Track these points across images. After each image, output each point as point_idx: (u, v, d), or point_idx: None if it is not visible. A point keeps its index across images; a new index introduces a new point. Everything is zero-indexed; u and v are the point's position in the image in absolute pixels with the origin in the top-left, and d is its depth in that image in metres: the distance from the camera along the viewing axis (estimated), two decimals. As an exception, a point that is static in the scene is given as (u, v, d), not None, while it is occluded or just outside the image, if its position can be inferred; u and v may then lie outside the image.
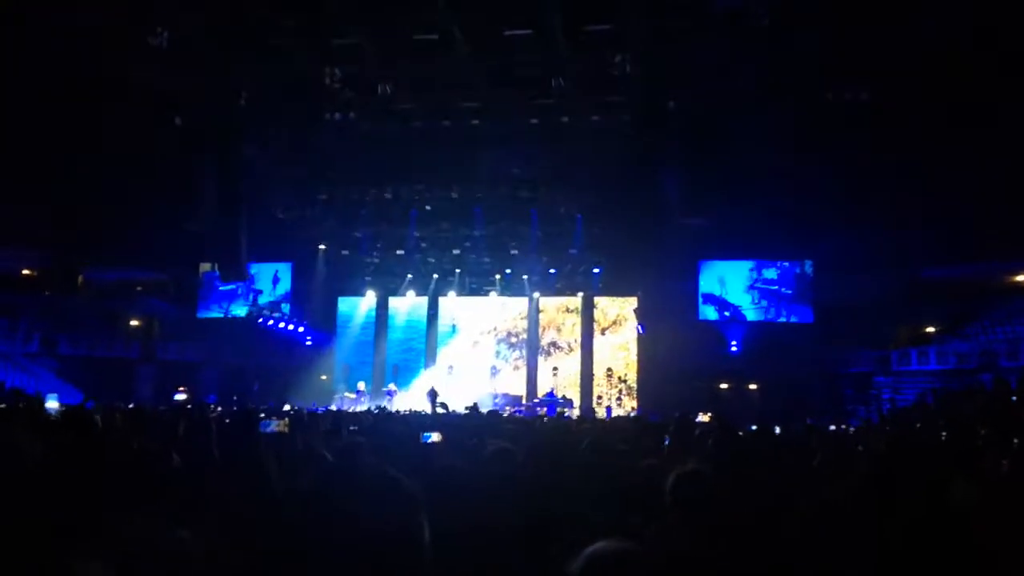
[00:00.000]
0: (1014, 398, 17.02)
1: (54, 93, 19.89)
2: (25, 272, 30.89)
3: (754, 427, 12.79)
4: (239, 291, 29.26)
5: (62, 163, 22.96)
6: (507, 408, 24.13)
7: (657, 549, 2.21)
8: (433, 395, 23.17)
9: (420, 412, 19.14)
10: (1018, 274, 26.15)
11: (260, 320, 28.48)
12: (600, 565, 1.54)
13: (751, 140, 19.69)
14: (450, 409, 19.68)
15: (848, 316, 25.21)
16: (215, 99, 17.56)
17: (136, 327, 31.33)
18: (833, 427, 15.36)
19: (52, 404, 8.74)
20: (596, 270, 27.23)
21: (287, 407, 17.02)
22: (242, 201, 18.55)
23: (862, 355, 26.85)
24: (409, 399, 27.17)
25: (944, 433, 11.47)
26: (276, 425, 5.98)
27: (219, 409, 15.75)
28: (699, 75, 17.94)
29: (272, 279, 29.72)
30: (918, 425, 13.63)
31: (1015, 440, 9.19)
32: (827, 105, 19.48)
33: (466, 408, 15.17)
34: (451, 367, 29.17)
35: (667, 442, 5.11)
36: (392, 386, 27.21)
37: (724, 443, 4.12)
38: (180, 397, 23.98)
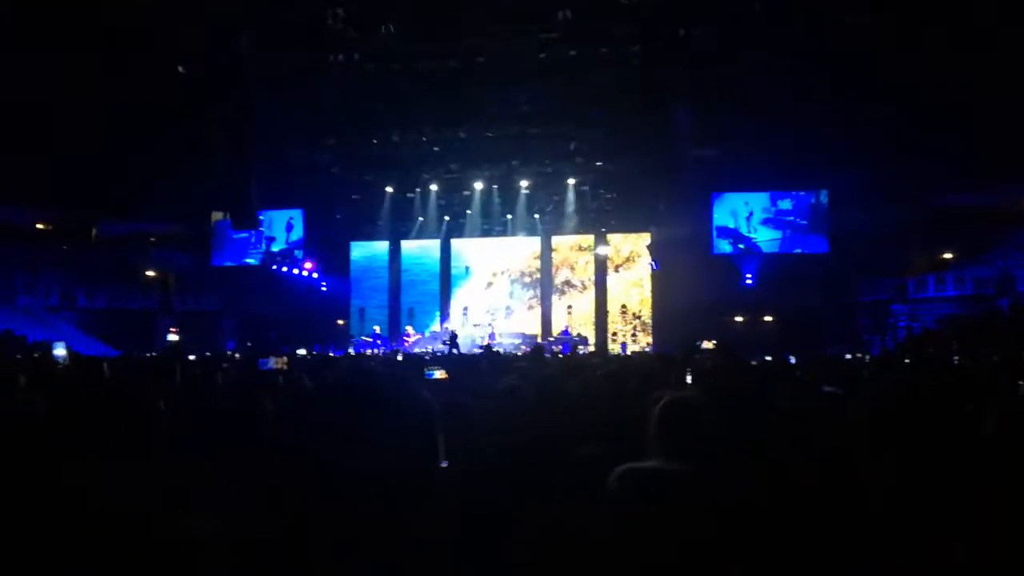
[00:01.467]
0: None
1: (64, 47, 19.71)
2: (40, 226, 31.09)
3: (768, 358, 12.83)
4: (252, 239, 29.35)
5: (72, 117, 22.88)
6: (521, 347, 24.27)
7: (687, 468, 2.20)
8: (453, 337, 23.33)
9: (434, 354, 19.29)
10: (1037, 199, 25.74)
11: (274, 268, 28.63)
12: (633, 480, 1.56)
13: (763, 69, 19.27)
14: (462, 350, 19.85)
15: (864, 245, 24.97)
16: (218, 44, 17.34)
17: (152, 278, 31.59)
18: (849, 356, 15.34)
19: (59, 352, 8.83)
20: (608, 208, 27.00)
21: (302, 352, 17.21)
22: (251, 149, 18.45)
23: (879, 283, 26.68)
24: (427, 342, 27.43)
25: (957, 358, 11.44)
26: (274, 363, 6.04)
27: (236, 356, 15.94)
28: (709, 2, 17.51)
29: (285, 226, 29.75)
30: (930, 351, 13.59)
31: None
32: (841, 32, 18.98)
33: (478, 349, 15.27)
34: (466, 309, 29.31)
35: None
36: (409, 329, 27.41)
37: (724, 368, 4.11)
38: (172, 338, 24.14)
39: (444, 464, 1.48)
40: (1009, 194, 25.36)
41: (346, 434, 1.39)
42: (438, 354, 18.25)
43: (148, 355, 15.80)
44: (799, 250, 26.53)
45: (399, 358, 13.69)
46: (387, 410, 1.41)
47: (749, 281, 26.42)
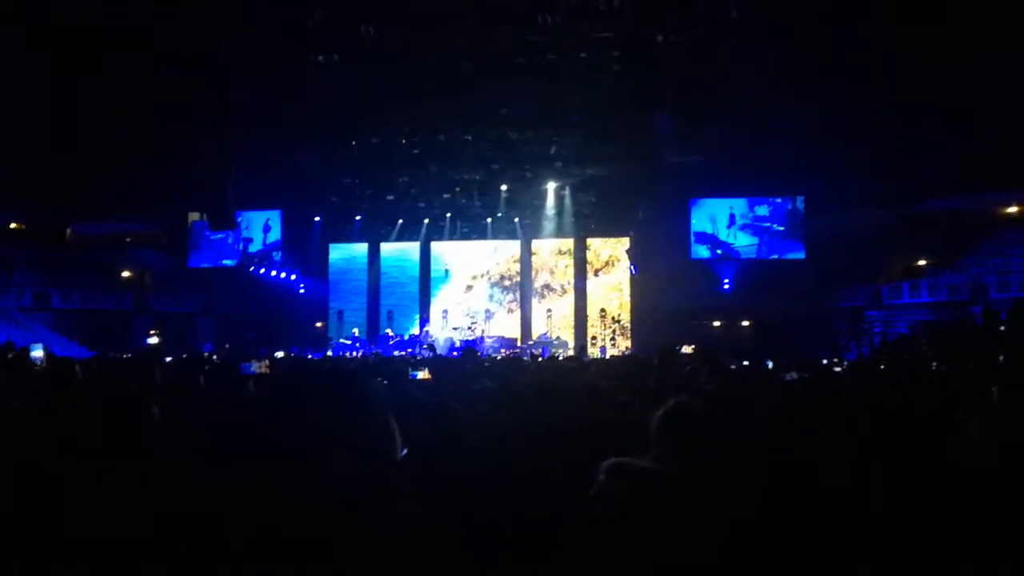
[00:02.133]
0: (1002, 328, 17.16)
1: (39, 43, 19.47)
2: (13, 226, 30.65)
3: (745, 363, 12.92)
4: (229, 240, 29.14)
5: (46, 114, 22.61)
6: (501, 351, 24.27)
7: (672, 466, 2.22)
8: (431, 346, 23.31)
9: (414, 355, 19.25)
10: (1009, 206, 26.17)
11: (251, 269, 28.44)
12: (623, 476, 1.56)
13: (741, 76, 19.46)
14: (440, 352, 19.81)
15: (840, 251, 25.24)
16: (197, 44, 17.22)
17: (128, 279, 31.25)
18: (825, 361, 15.48)
19: (37, 353, 8.74)
20: (587, 212, 27.10)
21: (280, 354, 17.11)
22: (229, 149, 18.33)
23: (854, 289, 26.98)
24: (406, 345, 27.33)
25: (934, 363, 11.59)
26: (257, 367, 6.01)
27: (214, 358, 15.81)
28: (689, 10, 17.64)
29: (263, 227, 29.56)
30: (905, 357, 13.76)
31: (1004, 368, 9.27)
32: (818, 39, 19.22)
33: (455, 352, 15.25)
34: (445, 312, 29.26)
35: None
36: (389, 331, 27.33)
37: (705, 372, 4.14)
38: (152, 341, 23.94)
39: (403, 453, 1.46)
40: (983, 200, 25.78)
41: (289, 436, 1.38)
42: (422, 356, 18.24)
43: (124, 356, 15.62)
44: (776, 256, 26.79)
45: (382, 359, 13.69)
46: (332, 406, 1.40)
47: (726, 286, 26.62)
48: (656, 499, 1.60)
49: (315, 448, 1.32)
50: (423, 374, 5.65)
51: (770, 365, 11.94)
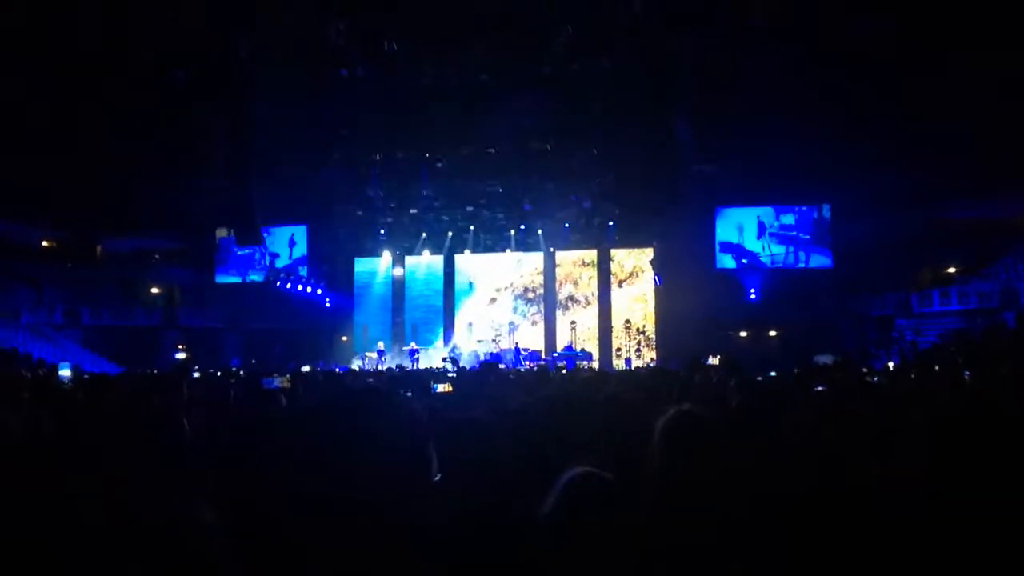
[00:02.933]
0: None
1: (65, 64, 19.84)
2: (44, 244, 31.18)
3: (772, 373, 12.78)
4: (256, 256, 29.42)
5: (76, 134, 23.00)
6: (526, 363, 24.23)
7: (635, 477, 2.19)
8: (455, 360, 23.35)
9: (438, 369, 19.26)
10: (1040, 211, 25.72)
11: (278, 284, 28.68)
12: (578, 489, 1.54)
13: (765, 83, 19.35)
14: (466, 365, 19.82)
15: (868, 259, 24.95)
16: (223, 62, 17.45)
17: (156, 295, 31.64)
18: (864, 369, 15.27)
19: (65, 372, 8.84)
20: (611, 223, 27.04)
21: (305, 368, 17.20)
22: (254, 164, 18.54)
23: (883, 298, 26.63)
24: (432, 357, 27.40)
25: (967, 373, 11.39)
26: (279, 381, 6.03)
27: (241, 373, 15.94)
28: (710, 17, 17.58)
29: (288, 242, 29.83)
30: (937, 367, 13.54)
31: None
32: (842, 43, 19.06)
33: (481, 364, 15.25)
34: (470, 324, 29.30)
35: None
36: (414, 344, 27.40)
37: (730, 384, 4.10)
38: (180, 356, 24.17)
39: (437, 477, 1.45)
40: (1012, 206, 25.34)
41: (329, 457, 1.36)
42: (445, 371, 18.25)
43: (152, 372, 15.80)
44: (802, 265, 26.53)
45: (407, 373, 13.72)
46: (371, 429, 1.39)
47: (753, 296, 26.40)
48: (608, 509, 1.57)
49: (349, 471, 1.31)
50: (444, 387, 5.65)
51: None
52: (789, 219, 26.71)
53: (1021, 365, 12.36)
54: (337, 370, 17.95)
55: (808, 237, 26.41)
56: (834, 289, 25.63)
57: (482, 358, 24.51)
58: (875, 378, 11.78)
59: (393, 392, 1.47)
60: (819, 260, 26.39)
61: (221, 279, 30.27)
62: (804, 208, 26.54)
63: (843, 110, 20.68)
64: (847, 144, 21.54)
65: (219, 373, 13.97)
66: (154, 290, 31.66)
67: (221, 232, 29.07)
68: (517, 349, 26.11)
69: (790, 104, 20.15)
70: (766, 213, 26.84)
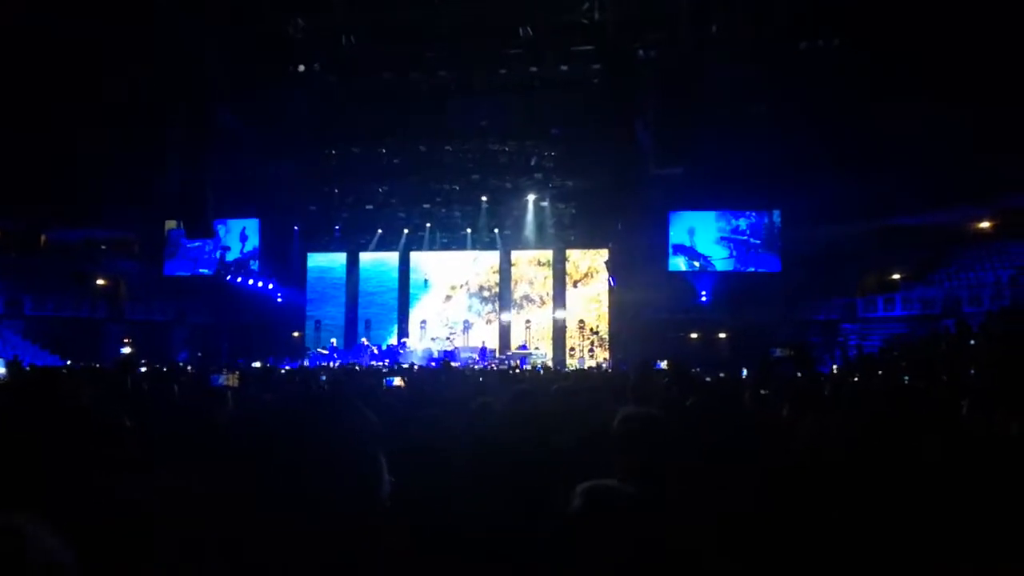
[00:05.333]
0: (972, 342, 17.39)
1: (15, 50, 19.26)
2: (-14, 232, 30.21)
3: (721, 375, 13.01)
4: (206, 249, 28.92)
5: (21, 120, 22.33)
6: (476, 363, 24.26)
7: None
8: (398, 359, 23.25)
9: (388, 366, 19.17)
10: (981, 220, 26.54)
11: (228, 278, 28.22)
12: (601, 500, 1.56)
13: (720, 90, 19.64)
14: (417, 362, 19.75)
15: (816, 265, 25.47)
16: (177, 54, 17.13)
17: (102, 286, 30.85)
18: (799, 374, 15.58)
19: (-1, 370, 8.48)
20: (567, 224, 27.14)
21: (256, 364, 16.97)
22: (207, 157, 18.24)
23: (829, 303, 27.22)
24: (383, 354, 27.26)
25: (907, 377, 11.71)
26: (226, 379, 5.92)
27: (189, 369, 15.67)
28: (669, 24, 17.79)
29: (240, 236, 29.37)
30: (880, 372, 13.90)
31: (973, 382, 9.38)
32: (797, 54, 19.45)
33: (433, 362, 15.23)
34: (424, 322, 29.20)
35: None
36: (364, 340, 27.22)
37: (678, 387, 4.18)
38: (125, 351, 23.65)
39: (389, 482, 1.42)
40: (957, 215, 26.10)
41: (273, 465, 1.33)
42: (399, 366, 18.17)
43: (94, 366, 15.43)
44: (752, 268, 27.00)
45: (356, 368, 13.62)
46: (319, 442, 1.35)
47: (704, 298, 26.77)
48: (631, 520, 1.60)
49: (296, 484, 1.28)
50: (398, 381, 5.65)
51: (744, 374, 12.04)
52: (741, 223, 27.16)
53: (960, 370, 12.74)
54: (287, 367, 17.74)
55: (759, 242, 26.89)
56: (782, 293, 26.10)
57: (435, 356, 24.46)
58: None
59: (345, 400, 1.41)
60: (769, 264, 26.88)
61: (169, 272, 29.68)
62: (755, 213, 27.02)
63: (795, 120, 21.10)
64: (798, 152, 21.97)
65: (165, 368, 13.72)
66: (100, 281, 30.87)
67: (171, 224, 28.52)
68: (484, 349, 26.19)
69: (744, 112, 20.51)
70: (718, 217, 27.25)
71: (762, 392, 5.00)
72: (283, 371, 14.62)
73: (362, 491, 1.32)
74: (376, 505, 1.34)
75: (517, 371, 16.08)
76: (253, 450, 1.33)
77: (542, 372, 15.38)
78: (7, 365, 9.47)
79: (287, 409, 1.40)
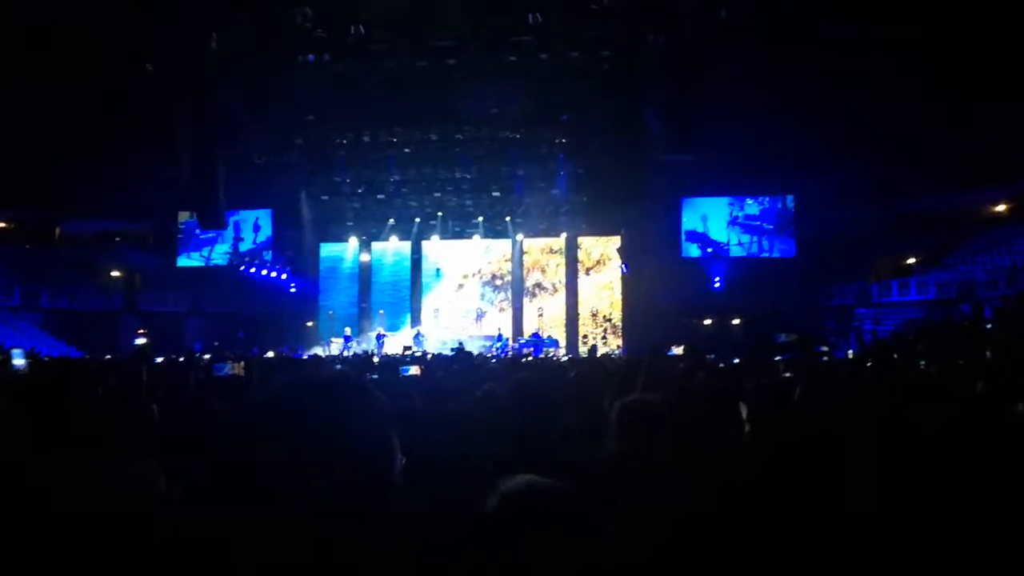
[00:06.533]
0: (988, 326, 17.25)
1: (25, 43, 19.35)
2: (1, 225, 30.47)
3: (736, 360, 12.97)
4: (219, 240, 29.04)
5: (34, 113, 22.46)
6: (492, 350, 24.29)
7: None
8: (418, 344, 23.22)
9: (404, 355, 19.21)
10: (998, 204, 26.31)
11: (242, 268, 28.35)
12: (516, 500, 1.50)
13: (733, 75, 19.49)
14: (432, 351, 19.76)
15: (830, 249, 25.34)
16: (186, 43, 17.14)
17: (117, 278, 31.09)
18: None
19: (18, 361, 8.47)
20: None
21: (271, 354, 17.07)
22: (218, 148, 18.27)
23: (844, 288, 27.08)
24: (398, 341, 27.35)
25: (923, 362, 11.64)
26: (231, 368, 5.90)
27: (205, 358, 15.77)
28: (680, 9, 17.65)
29: (253, 226, 29.48)
30: (895, 356, 13.81)
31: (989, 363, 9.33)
32: (808, 38, 19.26)
33: (452, 349, 15.27)
34: (437, 311, 29.24)
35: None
36: (380, 329, 27.30)
37: (693, 373, 4.16)
38: (140, 341, 23.77)
39: (402, 462, 1.40)
40: (972, 199, 25.90)
41: (280, 454, 1.30)
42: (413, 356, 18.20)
43: (109, 358, 15.54)
44: (766, 254, 26.86)
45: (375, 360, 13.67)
46: (326, 416, 1.33)
47: (717, 284, 26.68)
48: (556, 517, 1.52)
49: (309, 462, 1.27)
50: (414, 370, 5.66)
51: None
52: (754, 209, 27.02)
53: (976, 354, 12.64)
54: (305, 356, 17.85)
55: (772, 227, 26.74)
56: (796, 278, 25.98)
57: (450, 345, 24.47)
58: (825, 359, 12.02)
59: (356, 382, 1.38)
60: (783, 250, 26.73)
61: (183, 263, 29.85)
62: (768, 199, 26.87)
63: (808, 104, 20.94)
64: (811, 137, 21.81)
65: (182, 359, 13.81)
66: (114, 273, 31.10)
67: (184, 215, 28.65)
68: (500, 337, 26.15)
69: (757, 96, 20.34)
70: (731, 203, 27.11)
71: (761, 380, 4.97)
72: (299, 359, 14.71)
73: (374, 474, 1.31)
74: (389, 487, 1.33)
75: (530, 359, 16.10)
76: (258, 438, 1.31)
77: (554, 358, 15.41)
78: (27, 357, 9.52)
79: (290, 395, 1.37)
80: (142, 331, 25.40)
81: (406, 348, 22.38)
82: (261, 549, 1.23)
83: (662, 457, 2.25)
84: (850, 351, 20.60)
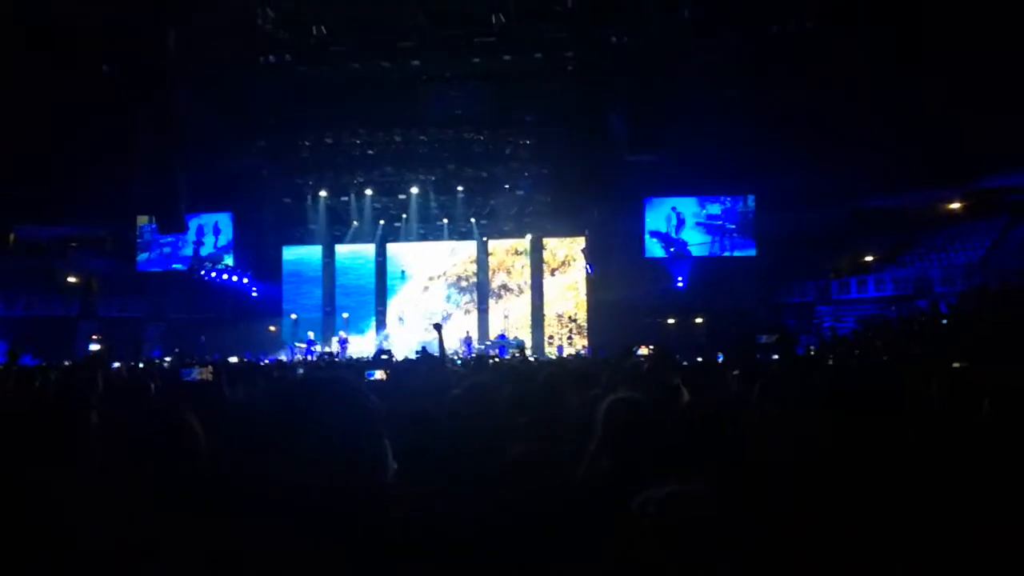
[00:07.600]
0: (944, 321, 17.65)
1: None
2: (-48, 231, 29.69)
3: (699, 359, 13.11)
4: (179, 243, 28.60)
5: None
6: (460, 352, 24.24)
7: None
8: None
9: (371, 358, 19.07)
10: (952, 202, 26.90)
11: (202, 273, 27.94)
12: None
13: (693, 75, 19.69)
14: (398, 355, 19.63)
15: (790, 248, 25.71)
16: (145, 44, 16.85)
17: (74, 284, 30.43)
18: (776, 356, 15.73)
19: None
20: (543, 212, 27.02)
21: (233, 359, 16.84)
22: (177, 150, 17.99)
23: (804, 285, 27.50)
24: (362, 345, 27.17)
25: (884, 357, 11.89)
26: (199, 373, 5.82)
27: (165, 364, 15.53)
28: (641, 9, 17.79)
29: (213, 229, 29.07)
30: (856, 352, 14.08)
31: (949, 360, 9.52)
32: (768, 39, 19.54)
33: (416, 352, 15.18)
34: (401, 317, 29.10)
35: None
36: (343, 333, 27.08)
37: (660, 371, 4.20)
38: (94, 347, 23.31)
39: (394, 467, 1.41)
40: (927, 197, 26.45)
41: (276, 451, 1.31)
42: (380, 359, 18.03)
43: (65, 364, 15.21)
44: (728, 253, 27.18)
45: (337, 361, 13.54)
46: (322, 421, 1.34)
47: (680, 284, 26.92)
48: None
49: (305, 462, 1.26)
50: (380, 374, 5.61)
51: (720, 359, 12.13)
52: (715, 209, 27.32)
53: (933, 348, 12.93)
54: (265, 361, 17.64)
55: (733, 227, 27.06)
56: (757, 277, 26.32)
57: (416, 348, 24.37)
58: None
59: (349, 385, 1.38)
60: (744, 249, 27.08)
61: (142, 268, 29.34)
62: (729, 199, 27.18)
63: (768, 104, 21.22)
64: (771, 137, 22.11)
65: (141, 365, 13.56)
66: (71, 279, 30.44)
67: (142, 219, 28.15)
68: (468, 339, 26.11)
69: (718, 98, 20.58)
70: (693, 203, 27.39)
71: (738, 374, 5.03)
72: (263, 364, 14.53)
73: (367, 476, 1.31)
74: (382, 488, 1.34)
75: (496, 359, 16.08)
76: (252, 441, 1.31)
77: (518, 356, 15.41)
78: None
79: (285, 396, 1.37)
80: (96, 336, 24.91)
81: (380, 352, 22.24)
82: (261, 549, 1.22)
83: (641, 452, 2.26)
84: (811, 348, 20.95)
